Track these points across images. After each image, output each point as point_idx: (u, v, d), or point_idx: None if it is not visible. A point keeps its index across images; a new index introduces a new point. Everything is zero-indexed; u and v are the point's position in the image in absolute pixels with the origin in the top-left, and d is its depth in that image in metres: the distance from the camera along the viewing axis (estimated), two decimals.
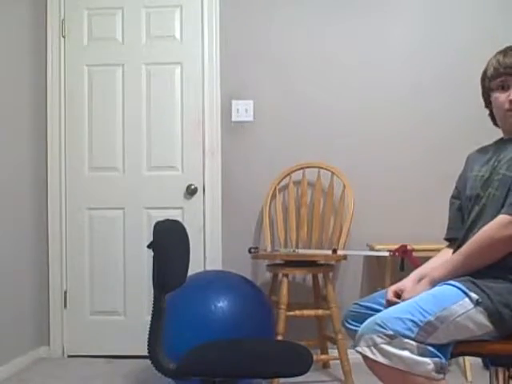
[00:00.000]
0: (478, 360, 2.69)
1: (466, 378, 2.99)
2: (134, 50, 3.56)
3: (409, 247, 2.96)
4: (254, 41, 3.51)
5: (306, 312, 2.96)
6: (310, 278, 3.35)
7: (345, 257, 3.10)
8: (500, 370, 1.80)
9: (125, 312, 3.54)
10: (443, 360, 1.61)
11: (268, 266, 3.18)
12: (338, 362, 2.96)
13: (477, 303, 1.64)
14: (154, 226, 1.93)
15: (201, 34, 3.52)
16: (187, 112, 3.53)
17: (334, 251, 3.04)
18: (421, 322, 1.60)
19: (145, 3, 3.55)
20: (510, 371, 1.80)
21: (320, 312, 3.04)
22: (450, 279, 1.72)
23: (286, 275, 2.96)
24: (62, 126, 3.57)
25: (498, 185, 1.81)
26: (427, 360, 1.59)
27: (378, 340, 1.60)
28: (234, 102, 3.48)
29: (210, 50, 3.50)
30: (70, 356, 3.55)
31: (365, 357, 1.63)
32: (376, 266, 3.37)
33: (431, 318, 1.61)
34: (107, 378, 3.13)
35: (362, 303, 1.98)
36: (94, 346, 3.53)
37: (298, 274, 3.36)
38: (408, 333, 1.59)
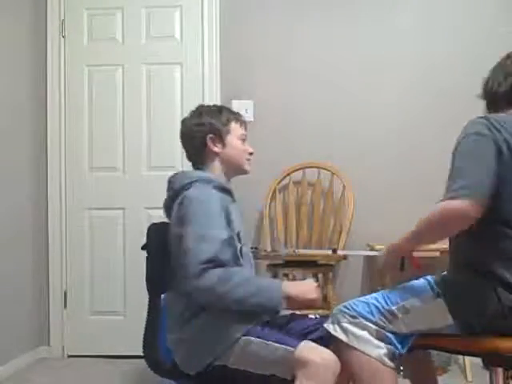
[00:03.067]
0: (478, 360, 2.67)
1: (465, 378, 2.99)
2: (133, 50, 3.56)
3: None
4: (253, 41, 3.51)
5: (305, 312, 2.96)
6: (309, 278, 3.35)
7: (345, 257, 3.10)
8: (500, 370, 1.81)
9: (125, 312, 3.54)
10: (399, 349, 1.71)
11: (268, 266, 3.18)
12: None
13: (437, 295, 1.70)
14: (148, 228, 1.94)
15: (201, 34, 3.52)
16: (187, 112, 3.50)
17: (334, 251, 3.04)
18: (383, 308, 1.72)
19: (145, 3, 3.55)
20: (510, 371, 1.81)
21: (320, 312, 3.03)
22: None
23: (286, 275, 2.96)
24: (62, 126, 3.57)
25: None
26: (381, 344, 1.69)
27: (342, 319, 1.74)
28: (234, 102, 3.48)
29: (210, 50, 3.50)
30: (69, 356, 3.55)
31: (328, 332, 1.76)
32: (376, 266, 3.37)
33: (393, 307, 1.72)
34: (107, 378, 3.13)
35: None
36: (94, 346, 3.53)
37: (298, 274, 3.36)
38: (369, 316, 1.72)
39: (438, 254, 2.90)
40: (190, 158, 2.01)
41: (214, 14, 3.50)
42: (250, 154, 2.02)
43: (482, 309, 1.63)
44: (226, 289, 1.67)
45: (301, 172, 3.38)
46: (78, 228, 3.56)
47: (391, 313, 1.71)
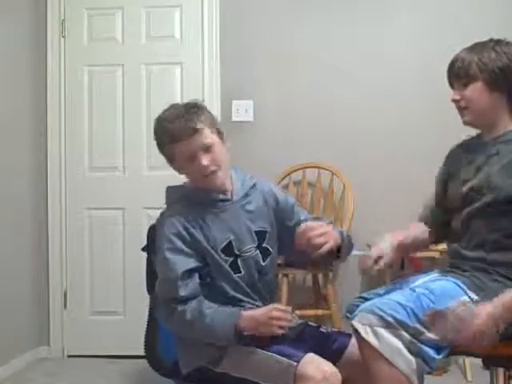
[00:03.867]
0: (478, 360, 2.68)
1: (465, 378, 2.99)
2: (133, 50, 3.56)
3: None
4: (254, 41, 3.51)
5: (306, 312, 2.96)
6: (310, 278, 3.35)
7: None
8: (500, 370, 1.80)
9: (125, 312, 3.54)
10: (434, 358, 1.60)
11: None
12: None
13: (475, 302, 1.64)
14: (148, 230, 1.94)
15: (201, 34, 3.52)
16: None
17: None
18: (422, 313, 1.60)
19: (145, 3, 3.55)
20: (510, 371, 1.81)
21: (320, 312, 3.04)
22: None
23: (286, 275, 2.96)
24: (61, 126, 3.56)
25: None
26: (412, 360, 1.58)
27: (375, 322, 1.60)
28: (234, 102, 3.48)
29: (210, 50, 3.50)
30: (69, 356, 3.54)
31: (356, 331, 1.64)
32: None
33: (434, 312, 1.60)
34: (107, 378, 3.13)
35: (365, 296, 1.99)
36: (94, 346, 3.53)
37: (298, 274, 3.36)
38: (406, 321, 1.59)
39: (438, 254, 2.90)
40: None
41: (213, 14, 3.50)
42: (205, 166, 1.74)
43: None
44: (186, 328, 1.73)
45: (301, 172, 3.38)
46: (78, 228, 3.56)
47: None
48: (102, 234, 3.55)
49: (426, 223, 2.04)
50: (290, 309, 1.74)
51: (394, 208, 3.39)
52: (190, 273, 1.72)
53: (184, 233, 1.74)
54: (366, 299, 1.95)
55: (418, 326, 1.60)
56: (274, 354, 1.66)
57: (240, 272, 1.79)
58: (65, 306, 3.55)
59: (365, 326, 1.61)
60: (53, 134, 3.56)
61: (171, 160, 1.83)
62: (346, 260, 1.89)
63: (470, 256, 1.78)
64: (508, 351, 1.67)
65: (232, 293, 1.78)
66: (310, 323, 1.95)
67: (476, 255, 1.77)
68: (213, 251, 1.76)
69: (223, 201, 1.82)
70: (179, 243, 1.73)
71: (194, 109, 1.80)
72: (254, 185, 1.90)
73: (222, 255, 1.77)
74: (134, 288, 3.47)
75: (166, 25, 3.55)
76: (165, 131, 1.79)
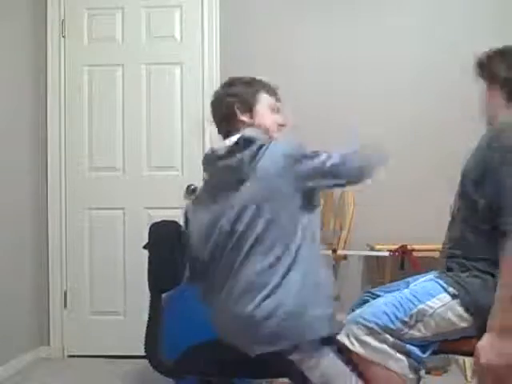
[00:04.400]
0: None
1: (465, 377, 2.99)
2: (133, 50, 3.56)
3: (409, 247, 2.96)
4: (253, 41, 3.51)
5: None
6: None
7: (345, 257, 3.11)
8: None
9: (125, 312, 3.54)
10: (420, 356, 1.67)
11: None
12: None
13: (454, 296, 1.69)
14: (150, 228, 1.94)
15: (201, 34, 3.52)
16: (187, 112, 3.53)
17: (334, 251, 3.04)
18: (401, 314, 1.66)
19: (145, 3, 3.55)
20: None
21: None
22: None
23: None
24: (61, 126, 3.57)
25: None
26: (402, 357, 1.64)
27: (358, 332, 1.67)
28: None
29: (210, 50, 3.50)
30: (69, 356, 3.55)
31: (344, 345, 1.69)
32: (376, 265, 3.37)
33: (412, 312, 1.67)
34: (107, 377, 3.13)
35: (374, 292, 2.00)
36: (94, 346, 3.53)
37: None
38: (388, 324, 1.65)
39: (437, 254, 2.90)
40: (218, 126, 2.00)
41: (214, 14, 3.50)
42: (281, 125, 2.00)
43: None
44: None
45: None
46: (78, 228, 3.56)
47: (410, 317, 1.67)
48: (102, 234, 3.55)
49: None
50: None
51: (394, 208, 3.39)
52: None
53: None
54: (374, 294, 1.97)
55: (400, 326, 1.66)
56: (340, 361, 1.70)
57: None
58: (65, 305, 3.56)
59: (350, 338, 1.68)
60: (53, 133, 3.56)
61: (255, 101, 1.97)
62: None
63: (452, 254, 1.84)
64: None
65: None
66: None
67: (456, 253, 1.81)
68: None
69: None
70: None
71: None
72: None
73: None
74: (134, 288, 3.48)
75: (166, 25, 3.55)
76: (261, 81, 2.05)
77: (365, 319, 1.68)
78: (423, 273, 1.98)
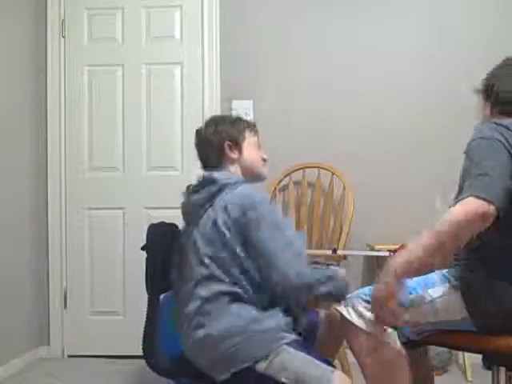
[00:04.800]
0: (478, 360, 2.69)
1: (465, 377, 2.99)
2: (133, 50, 3.56)
3: None
4: (253, 41, 3.51)
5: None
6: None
7: (345, 257, 3.10)
8: (502, 369, 1.81)
9: (125, 312, 3.54)
10: (406, 338, 1.78)
11: None
12: (337, 361, 2.95)
13: (455, 288, 1.73)
14: (148, 229, 1.94)
15: (201, 34, 3.52)
16: (187, 112, 3.53)
17: (334, 251, 3.04)
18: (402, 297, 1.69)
19: (145, 3, 3.55)
20: None
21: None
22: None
23: None
24: (62, 126, 3.57)
25: None
26: (390, 329, 1.73)
27: (357, 304, 1.74)
28: (234, 102, 3.48)
29: (210, 50, 3.51)
30: (69, 356, 3.55)
31: (341, 316, 1.77)
32: (376, 266, 3.36)
33: (412, 297, 1.73)
34: (107, 378, 3.13)
35: None
36: (93, 346, 3.53)
37: None
38: None
39: None
40: (206, 165, 2.02)
41: (214, 14, 3.50)
42: (264, 160, 2.02)
43: (503, 308, 1.65)
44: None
45: (301, 172, 3.38)
46: (78, 228, 3.56)
47: (409, 301, 1.72)
48: (102, 234, 3.55)
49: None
50: None
51: (394, 208, 3.39)
52: None
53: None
54: None
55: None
56: (313, 359, 1.67)
57: None
58: (65, 305, 3.56)
59: (348, 308, 1.76)
60: (53, 133, 3.56)
61: (242, 139, 1.99)
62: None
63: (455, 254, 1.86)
64: (510, 349, 1.66)
65: None
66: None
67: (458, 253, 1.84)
68: None
69: None
70: None
71: None
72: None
73: None
74: (133, 288, 3.48)
75: (166, 25, 3.55)
76: (245, 120, 2.08)
77: (365, 294, 1.75)
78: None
